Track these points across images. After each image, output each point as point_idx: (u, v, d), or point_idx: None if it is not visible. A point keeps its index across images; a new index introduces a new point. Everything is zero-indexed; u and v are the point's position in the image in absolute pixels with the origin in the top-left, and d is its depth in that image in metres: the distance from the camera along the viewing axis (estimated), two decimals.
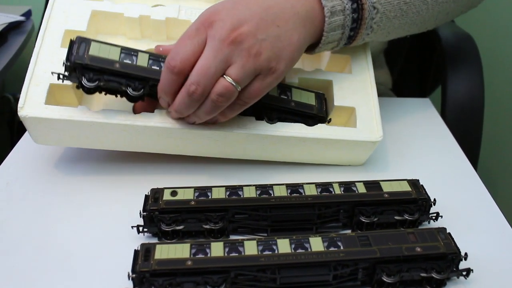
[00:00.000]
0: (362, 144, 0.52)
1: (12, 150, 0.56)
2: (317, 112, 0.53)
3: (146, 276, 0.37)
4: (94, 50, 0.45)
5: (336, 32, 0.49)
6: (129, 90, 0.46)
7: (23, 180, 0.52)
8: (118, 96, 0.48)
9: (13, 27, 0.97)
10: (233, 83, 0.44)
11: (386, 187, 0.46)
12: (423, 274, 0.40)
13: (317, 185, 0.46)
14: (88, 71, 0.45)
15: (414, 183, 0.47)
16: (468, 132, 0.67)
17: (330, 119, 0.54)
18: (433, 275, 0.40)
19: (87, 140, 0.50)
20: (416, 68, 0.92)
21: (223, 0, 0.46)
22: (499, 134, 1.11)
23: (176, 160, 0.55)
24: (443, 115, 0.67)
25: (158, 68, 0.47)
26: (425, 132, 0.63)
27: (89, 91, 0.46)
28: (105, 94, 0.48)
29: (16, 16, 0.99)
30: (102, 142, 0.51)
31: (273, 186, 0.46)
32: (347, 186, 0.47)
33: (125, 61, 0.46)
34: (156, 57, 0.47)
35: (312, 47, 0.51)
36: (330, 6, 0.48)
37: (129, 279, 0.37)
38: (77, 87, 0.47)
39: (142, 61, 0.47)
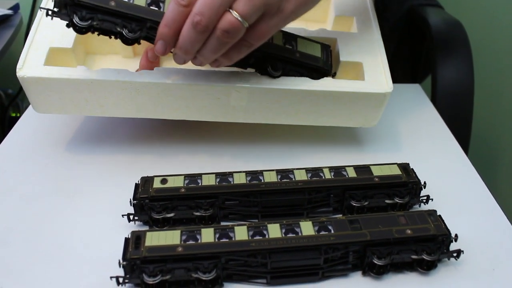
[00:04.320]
0: (372, 97, 0.49)
1: (0, 144, 0.56)
2: (323, 65, 0.50)
3: (137, 263, 0.37)
4: None
5: None
6: (125, 32, 0.44)
7: (11, 172, 0.52)
8: (112, 37, 0.45)
9: (1, 21, 0.96)
10: (239, 18, 0.40)
11: (376, 171, 0.46)
12: (413, 256, 0.40)
13: (307, 170, 0.46)
14: (80, 8, 0.42)
15: (404, 167, 0.47)
16: (458, 117, 0.67)
17: (335, 73, 0.51)
18: (424, 257, 0.40)
19: (87, 105, 0.49)
20: (407, 56, 0.92)
21: None
22: (489, 118, 1.11)
23: (166, 148, 0.55)
24: (434, 100, 0.68)
25: (156, 8, 0.44)
26: (416, 117, 0.63)
27: (81, 30, 0.43)
28: (98, 34, 0.44)
29: (4, 10, 0.97)
30: (102, 107, 0.49)
31: (263, 172, 0.46)
32: (337, 170, 0.47)
33: None
34: None
35: None
36: None
37: (120, 266, 0.37)
38: (67, 26, 0.44)
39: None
